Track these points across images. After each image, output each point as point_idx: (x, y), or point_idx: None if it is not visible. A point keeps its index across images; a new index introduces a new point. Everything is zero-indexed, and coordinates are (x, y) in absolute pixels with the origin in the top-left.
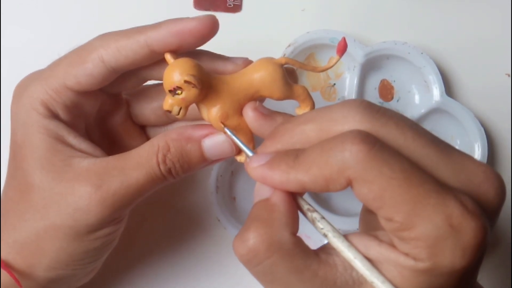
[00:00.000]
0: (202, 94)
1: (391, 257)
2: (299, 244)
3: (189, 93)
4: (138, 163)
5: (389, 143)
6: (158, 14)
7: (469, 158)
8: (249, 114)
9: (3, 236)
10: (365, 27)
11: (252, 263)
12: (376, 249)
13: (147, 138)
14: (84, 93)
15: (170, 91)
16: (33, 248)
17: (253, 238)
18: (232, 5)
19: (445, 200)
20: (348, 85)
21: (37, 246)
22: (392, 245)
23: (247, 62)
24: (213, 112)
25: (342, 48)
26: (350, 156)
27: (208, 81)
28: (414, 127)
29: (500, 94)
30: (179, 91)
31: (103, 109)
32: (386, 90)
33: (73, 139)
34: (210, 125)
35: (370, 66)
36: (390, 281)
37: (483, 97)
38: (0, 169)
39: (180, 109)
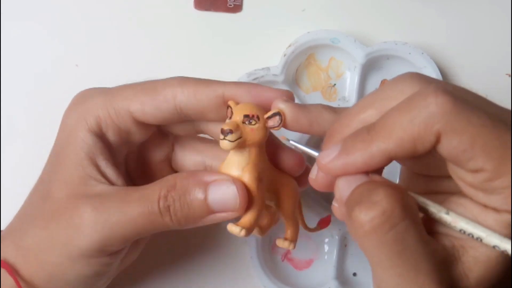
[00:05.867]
0: (263, 140)
1: (487, 220)
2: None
3: (260, 125)
4: (140, 197)
5: None
6: (158, 14)
7: None
8: (281, 105)
9: (16, 238)
10: (365, 27)
11: (385, 227)
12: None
13: None
14: (141, 123)
15: (245, 116)
16: (32, 257)
17: (386, 198)
18: (232, 5)
19: None
20: (349, 85)
21: (36, 256)
22: (480, 206)
23: (290, 94)
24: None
25: (325, 225)
26: (437, 109)
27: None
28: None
29: (500, 94)
30: (254, 121)
31: (149, 142)
32: None
33: (101, 161)
34: (220, 173)
35: (370, 66)
36: None
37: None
38: (0, 173)
39: (237, 139)
